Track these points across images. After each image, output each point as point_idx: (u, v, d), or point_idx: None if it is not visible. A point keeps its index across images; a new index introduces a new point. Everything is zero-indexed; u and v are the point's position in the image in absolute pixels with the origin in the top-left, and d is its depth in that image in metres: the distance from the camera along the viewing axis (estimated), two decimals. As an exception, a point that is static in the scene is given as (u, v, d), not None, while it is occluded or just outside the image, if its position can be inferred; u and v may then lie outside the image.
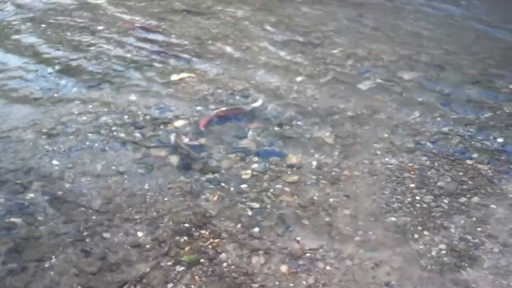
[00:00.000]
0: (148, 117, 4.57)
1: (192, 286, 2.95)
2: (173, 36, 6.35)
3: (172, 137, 4.18)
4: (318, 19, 7.11)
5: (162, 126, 4.44)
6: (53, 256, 3.08)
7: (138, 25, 6.58)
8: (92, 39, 6.11)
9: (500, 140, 4.47)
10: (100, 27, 6.47)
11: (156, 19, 6.85)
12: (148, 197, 3.58)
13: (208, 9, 7.37)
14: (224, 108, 4.68)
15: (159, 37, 6.29)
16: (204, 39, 6.28)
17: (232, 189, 3.72)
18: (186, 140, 4.20)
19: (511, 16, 7.50)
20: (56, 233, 3.25)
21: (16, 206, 3.44)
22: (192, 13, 7.19)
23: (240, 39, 6.33)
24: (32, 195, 3.56)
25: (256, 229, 3.35)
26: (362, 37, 6.56)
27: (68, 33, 6.25)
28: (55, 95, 4.84)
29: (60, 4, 7.27)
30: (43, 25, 6.48)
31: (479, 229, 3.41)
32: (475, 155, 4.23)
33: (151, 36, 6.31)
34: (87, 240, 3.22)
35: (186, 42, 6.17)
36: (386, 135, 4.46)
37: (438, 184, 3.85)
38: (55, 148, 4.03)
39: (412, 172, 3.97)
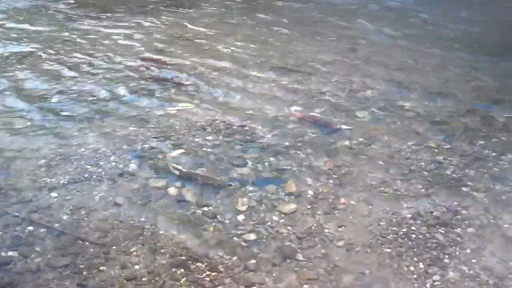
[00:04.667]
0: (146, 147, 4.62)
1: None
2: (172, 67, 6.46)
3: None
4: (313, 50, 7.24)
5: (160, 156, 4.49)
6: (49, 290, 3.09)
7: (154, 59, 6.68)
8: (92, 70, 6.23)
9: (495, 168, 4.50)
10: (100, 60, 6.62)
11: (155, 51, 6.99)
12: (145, 229, 3.60)
13: (207, 40, 7.51)
14: (317, 115, 5.15)
15: (160, 68, 6.41)
16: (202, 69, 6.38)
17: (228, 220, 3.74)
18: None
19: (503, 45, 7.64)
20: (53, 266, 3.26)
21: (13, 238, 3.46)
22: (191, 42, 7.35)
23: (237, 70, 6.43)
24: (29, 227, 3.58)
25: (253, 261, 3.37)
26: (357, 67, 6.67)
27: (69, 64, 6.37)
28: (54, 125, 4.91)
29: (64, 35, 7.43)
30: (44, 55, 6.62)
31: (474, 260, 3.41)
32: (470, 183, 4.26)
33: (151, 67, 6.43)
34: (84, 273, 3.23)
35: (184, 73, 6.27)
36: (382, 164, 4.50)
37: (434, 214, 3.88)
38: (53, 180, 4.07)
39: (407, 202, 4.00)
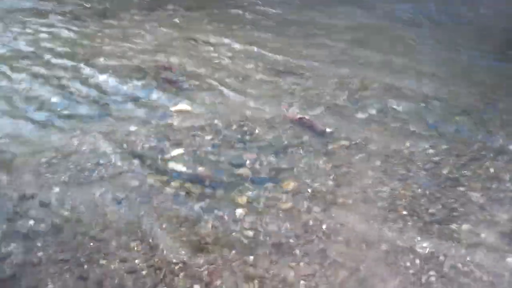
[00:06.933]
0: (146, 146, 4.68)
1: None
2: (172, 67, 6.53)
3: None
4: (310, 51, 7.30)
5: (160, 155, 4.54)
6: (50, 283, 3.14)
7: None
8: (91, 71, 6.31)
9: (491, 169, 4.55)
10: (100, 59, 6.70)
11: (154, 52, 7.07)
12: (144, 224, 3.65)
13: (205, 42, 7.59)
14: (305, 117, 5.20)
15: (159, 69, 6.48)
16: (201, 70, 6.44)
17: (226, 217, 3.79)
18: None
19: (500, 46, 7.71)
20: (54, 260, 3.32)
21: (14, 233, 3.52)
22: (189, 44, 7.44)
23: (236, 70, 6.50)
24: (30, 222, 3.64)
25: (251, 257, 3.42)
26: (354, 68, 6.72)
27: (69, 64, 6.45)
28: (56, 124, 4.97)
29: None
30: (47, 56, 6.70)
31: (468, 257, 3.46)
32: (466, 183, 4.31)
33: (152, 67, 6.50)
34: (85, 266, 3.28)
35: (184, 73, 6.34)
36: (379, 164, 4.55)
37: (429, 211, 3.93)
38: (54, 177, 4.13)
39: (404, 200, 4.05)
